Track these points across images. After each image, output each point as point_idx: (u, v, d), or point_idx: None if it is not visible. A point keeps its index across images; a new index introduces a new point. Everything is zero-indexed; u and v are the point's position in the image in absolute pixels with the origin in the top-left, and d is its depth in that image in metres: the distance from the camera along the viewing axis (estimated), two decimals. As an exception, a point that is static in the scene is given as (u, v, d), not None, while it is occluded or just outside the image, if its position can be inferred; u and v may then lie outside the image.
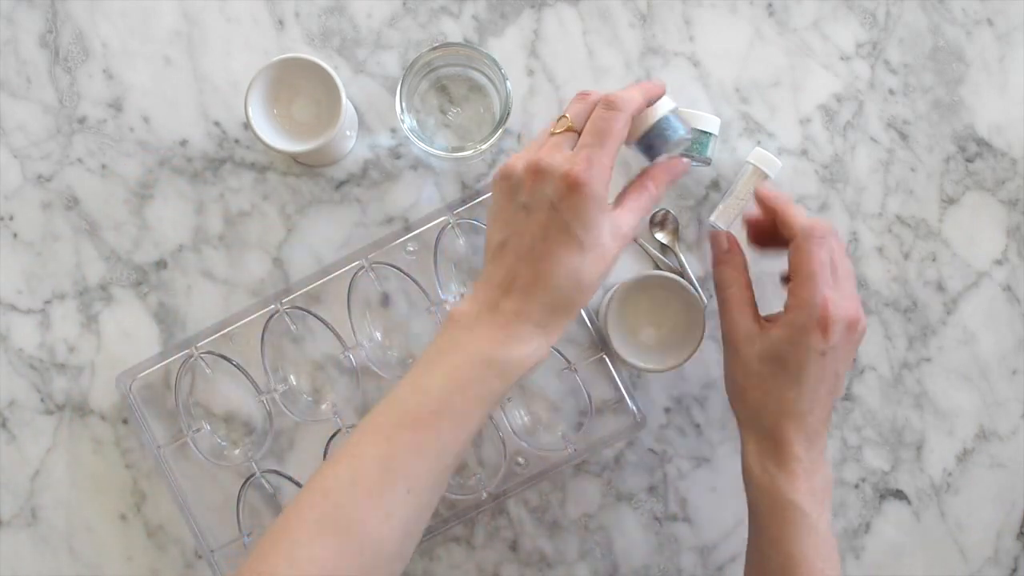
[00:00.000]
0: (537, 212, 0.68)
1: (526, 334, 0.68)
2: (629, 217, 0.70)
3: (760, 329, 0.75)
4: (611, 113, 0.69)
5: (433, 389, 0.68)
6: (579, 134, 0.70)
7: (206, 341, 0.86)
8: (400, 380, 0.70)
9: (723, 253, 0.80)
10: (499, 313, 0.68)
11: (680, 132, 0.73)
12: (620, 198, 0.72)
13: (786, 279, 0.75)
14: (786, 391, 0.73)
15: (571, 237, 0.67)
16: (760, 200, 0.78)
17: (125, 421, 0.87)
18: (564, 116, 0.71)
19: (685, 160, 0.75)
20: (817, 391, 0.73)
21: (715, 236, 0.81)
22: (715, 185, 0.89)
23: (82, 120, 0.88)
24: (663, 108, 0.73)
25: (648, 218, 0.88)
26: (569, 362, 0.86)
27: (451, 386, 0.67)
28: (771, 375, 0.73)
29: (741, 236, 0.88)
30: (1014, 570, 0.89)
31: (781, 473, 0.73)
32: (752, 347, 0.74)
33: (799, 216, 0.74)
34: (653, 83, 0.73)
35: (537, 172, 0.68)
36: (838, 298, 0.72)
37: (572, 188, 0.67)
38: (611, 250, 0.69)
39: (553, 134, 0.70)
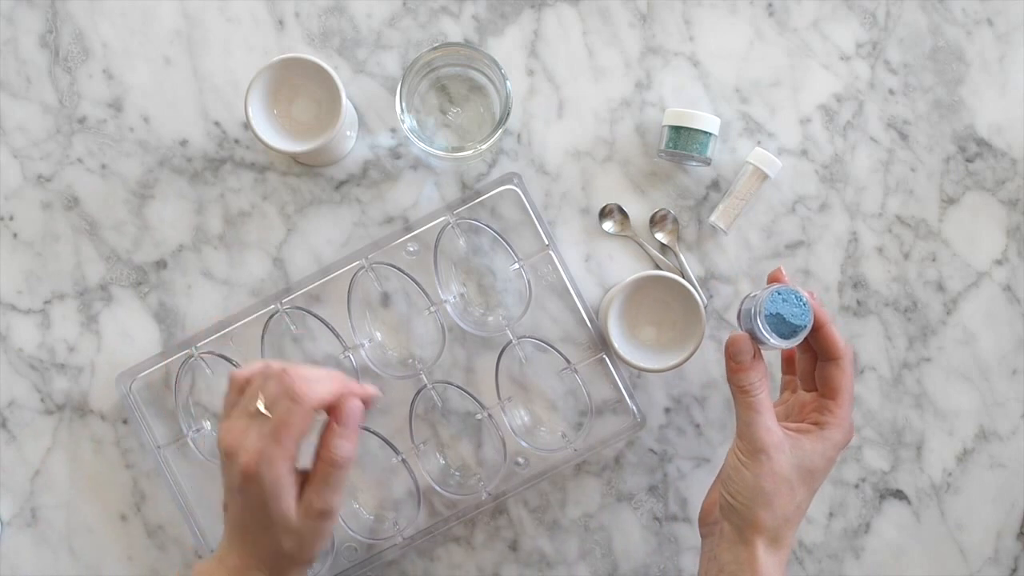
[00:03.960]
0: (233, 494, 0.71)
1: None
2: (316, 494, 0.71)
3: (787, 437, 0.73)
4: (289, 405, 0.69)
5: None
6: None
7: (206, 341, 0.85)
8: None
9: (749, 360, 0.74)
10: (224, 568, 0.72)
11: (767, 339, 0.72)
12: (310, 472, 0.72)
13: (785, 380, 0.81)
14: (806, 499, 0.74)
15: (259, 519, 0.71)
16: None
17: (125, 421, 0.87)
18: (259, 395, 0.71)
19: (354, 405, 0.72)
20: None
21: (739, 344, 0.75)
22: (715, 185, 0.89)
23: (82, 120, 0.88)
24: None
25: (648, 217, 0.88)
26: (569, 362, 0.86)
27: None
28: (800, 484, 0.73)
29: (739, 236, 0.88)
30: (1014, 570, 0.89)
31: (778, 567, 0.74)
32: (784, 455, 0.72)
33: (840, 335, 0.75)
34: (362, 387, 0.73)
35: (228, 455, 0.71)
36: None
37: (247, 480, 0.69)
38: (304, 528, 0.71)
39: (250, 412, 0.71)
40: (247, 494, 0.70)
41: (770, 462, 0.72)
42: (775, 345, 0.73)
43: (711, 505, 0.78)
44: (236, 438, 0.70)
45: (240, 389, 0.72)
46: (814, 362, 0.77)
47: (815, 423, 0.75)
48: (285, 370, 0.71)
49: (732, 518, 0.74)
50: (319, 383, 0.71)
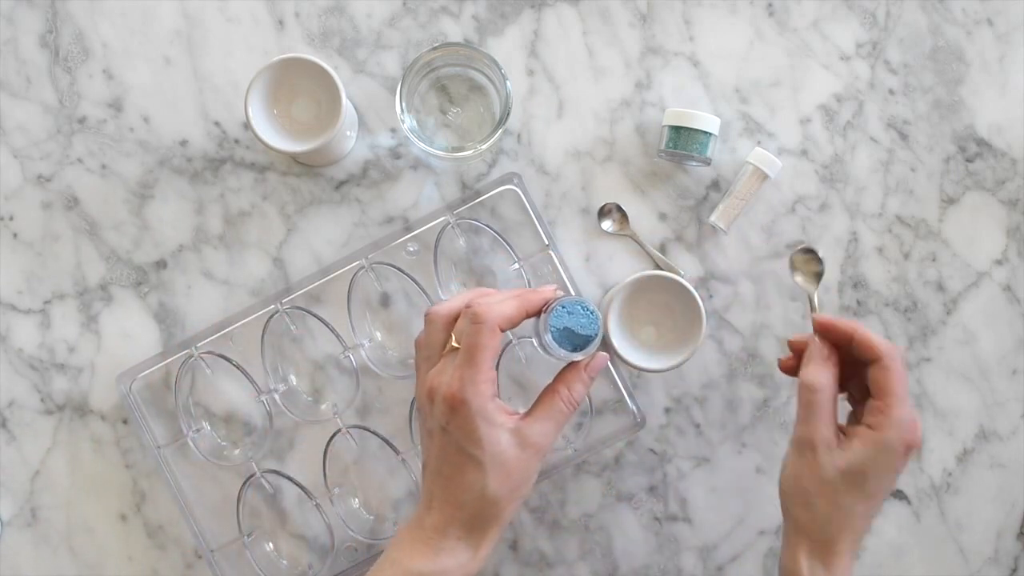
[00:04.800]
0: (435, 436, 0.71)
1: (449, 548, 0.70)
2: (539, 426, 0.71)
3: (839, 440, 0.72)
4: (474, 327, 0.70)
5: None
6: None
7: (206, 341, 0.86)
8: None
9: (824, 358, 0.74)
10: (423, 529, 0.71)
11: (560, 354, 0.72)
12: (532, 406, 0.73)
13: (846, 395, 0.76)
14: (857, 506, 0.72)
15: (466, 456, 0.69)
16: (826, 328, 0.75)
17: (125, 421, 0.87)
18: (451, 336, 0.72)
19: (602, 356, 0.74)
20: (879, 508, 0.74)
21: (814, 342, 0.75)
22: (715, 185, 0.89)
23: (82, 120, 0.88)
24: (556, 321, 0.72)
25: (650, 216, 0.88)
26: (569, 362, 0.86)
27: None
28: (846, 489, 0.71)
29: (739, 236, 0.88)
30: (1014, 570, 0.89)
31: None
32: (831, 457, 0.71)
33: (877, 336, 0.73)
34: (537, 292, 0.74)
35: (429, 396, 0.71)
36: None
37: (453, 409, 0.69)
38: (517, 461, 0.70)
39: (443, 355, 0.72)
40: (452, 426, 0.69)
41: (816, 462, 0.71)
42: (566, 357, 0.73)
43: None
44: (433, 379, 0.71)
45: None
46: (856, 375, 0.75)
47: (868, 426, 0.72)
48: (467, 303, 0.71)
49: (783, 512, 0.75)
50: (500, 304, 0.71)
